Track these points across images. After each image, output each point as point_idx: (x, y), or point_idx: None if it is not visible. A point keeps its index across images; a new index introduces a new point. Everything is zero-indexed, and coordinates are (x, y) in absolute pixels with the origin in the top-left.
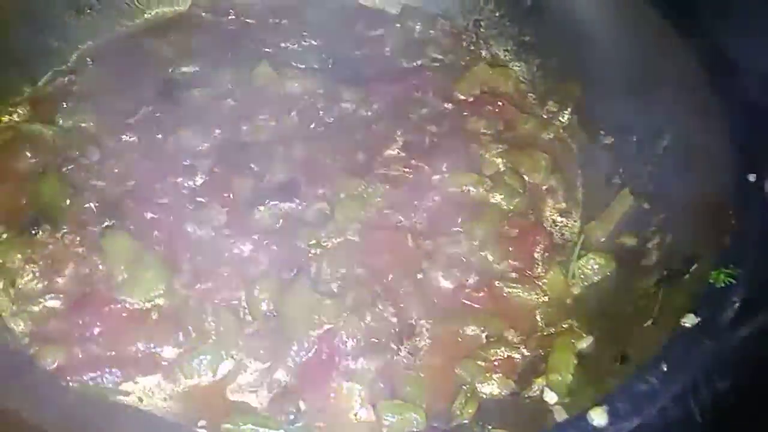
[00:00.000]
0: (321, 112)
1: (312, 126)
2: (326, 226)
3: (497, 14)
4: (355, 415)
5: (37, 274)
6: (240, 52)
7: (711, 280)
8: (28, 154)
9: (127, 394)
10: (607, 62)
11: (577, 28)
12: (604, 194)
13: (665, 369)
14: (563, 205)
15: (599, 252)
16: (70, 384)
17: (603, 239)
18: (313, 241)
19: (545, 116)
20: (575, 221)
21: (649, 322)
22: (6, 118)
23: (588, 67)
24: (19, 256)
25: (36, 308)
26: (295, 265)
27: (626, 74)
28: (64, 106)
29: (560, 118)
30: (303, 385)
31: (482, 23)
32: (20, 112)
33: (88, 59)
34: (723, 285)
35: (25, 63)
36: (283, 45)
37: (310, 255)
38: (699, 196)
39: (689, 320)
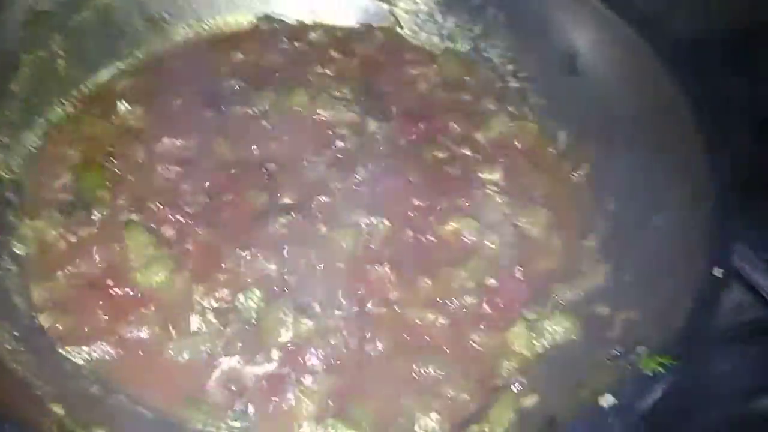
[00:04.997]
0: (341, 142)
1: (331, 153)
2: (320, 249)
3: (538, 70)
4: (299, 426)
5: (64, 251)
6: (285, 74)
7: (640, 365)
8: (82, 145)
9: (111, 371)
10: (627, 135)
11: (609, 96)
12: (593, 259)
13: None
14: (553, 264)
15: (569, 315)
16: (69, 354)
17: (566, 302)
18: (305, 261)
19: (560, 174)
20: (561, 282)
21: (586, 393)
22: (69, 110)
23: (610, 135)
24: (53, 232)
25: (57, 280)
26: (284, 281)
27: (640, 148)
28: (120, 105)
29: (573, 178)
30: (257, 391)
31: (519, 75)
32: (82, 105)
33: (151, 65)
34: (650, 373)
35: (92, 61)
36: (326, 73)
37: (300, 274)
38: (672, 280)
39: (606, 401)
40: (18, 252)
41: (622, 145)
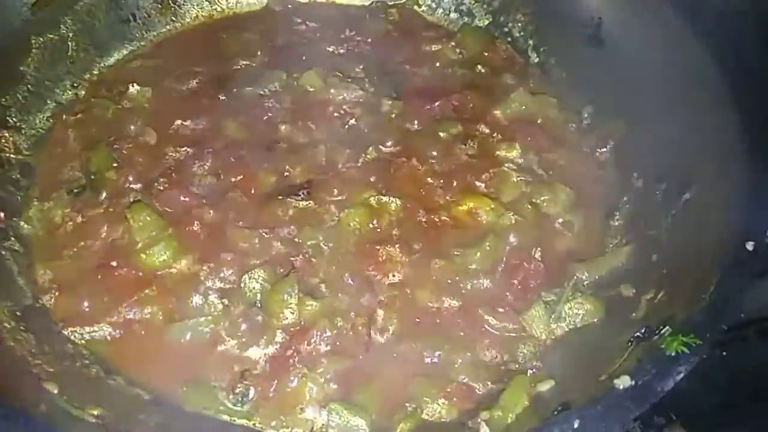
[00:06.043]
0: (353, 121)
1: (342, 132)
2: (329, 230)
3: (561, 43)
4: (301, 410)
5: (71, 232)
6: (297, 54)
7: (662, 345)
8: (91, 127)
9: (111, 352)
10: (657, 107)
11: (636, 66)
12: (618, 239)
13: (576, 426)
14: (575, 244)
15: (590, 297)
16: (70, 335)
17: (588, 284)
18: (314, 242)
19: (583, 151)
20: (583, 263)
21: (605, 377)
22: (82, 93)
23: (637, 108)
24: (60, 213)
25: (62, 261)
26: (290, 262)
27: (670, 121)
28: (131, 87)
29: (597, 154)
30: (259, 374)
31: (540, 49)
32: (92, 88)
33: (162, 47)
34: (674, 353)
35: (104, 44)
36: (338, 52)
37: (307, 255)
38: (701, 257)
39: (623, 382)
40: (25, 233)
41: (651, 119)
